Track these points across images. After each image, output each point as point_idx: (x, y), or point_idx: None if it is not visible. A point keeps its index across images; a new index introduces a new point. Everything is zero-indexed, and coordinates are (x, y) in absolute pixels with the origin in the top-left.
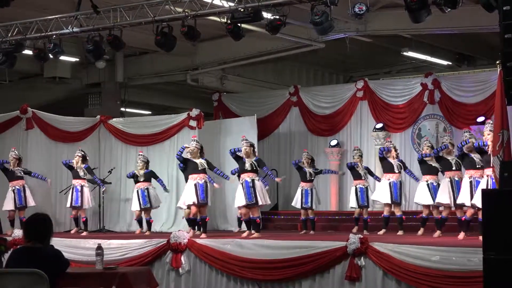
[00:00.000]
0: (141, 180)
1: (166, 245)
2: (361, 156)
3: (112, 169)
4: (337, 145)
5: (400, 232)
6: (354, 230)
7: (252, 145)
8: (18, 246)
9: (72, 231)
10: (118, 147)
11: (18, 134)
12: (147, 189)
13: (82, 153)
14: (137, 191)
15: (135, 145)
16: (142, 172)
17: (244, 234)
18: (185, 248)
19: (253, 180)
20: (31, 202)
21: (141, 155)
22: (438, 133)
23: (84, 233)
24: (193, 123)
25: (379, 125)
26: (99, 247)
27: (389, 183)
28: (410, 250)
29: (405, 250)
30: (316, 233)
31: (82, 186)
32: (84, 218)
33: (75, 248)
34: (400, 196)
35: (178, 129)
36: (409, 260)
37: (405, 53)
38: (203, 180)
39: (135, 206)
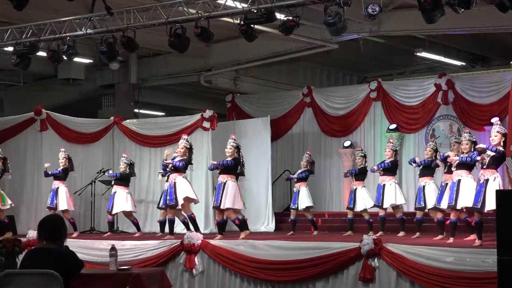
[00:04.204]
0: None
1: (180, 246)
2: (362, 156)
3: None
4: (351, 146)
5: (401, 233)
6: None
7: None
8: (32, 247)
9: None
10: (132, 149)
11: (33, 135)
12: (115, 192)
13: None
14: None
15: (149, 146)
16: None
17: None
18: (198, 249)
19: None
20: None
21: (124, 156)
22: (452, 133)
23: (74, 234)
24: (206, 124)
25: (393, 126)
26: (113, 248)
27: None
28: (424, 251)
29: (418, 251)
30: (330, 234)
31: (58, 188)
32: (72, 220)
33: (89, 249)
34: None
35: (192, 130)
36: (423, 261)
37: (418, 54)
38: (172, 181)
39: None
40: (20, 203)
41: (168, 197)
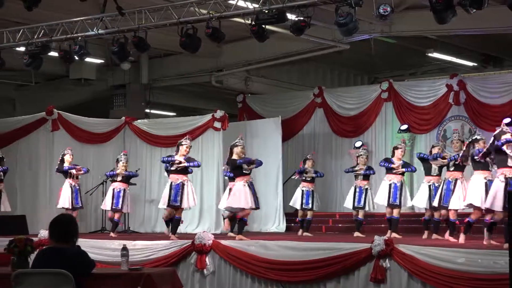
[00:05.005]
0: (118, 180)
1: (191, 246)
2: (367, 156)
3: (137, 170)
4: (362, 146)
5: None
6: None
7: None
8: (44, 247)
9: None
10: (143, 149)
11: (44, 135)
12: (124, 190)
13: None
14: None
15: (160, 146)
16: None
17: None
18: (209, 249)
19: None
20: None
21: (125, 155)
22: (464, 134)
23: None
24: (217, 124)
25: (404, 127)
26: (124, 248)
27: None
28: (435, 252)
29: (430, 252)
30: (341, 234)
31: (77, 186)
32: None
33: (100, 249)
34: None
35: (203, 131)
36: (434, 262)
37: (430, 54)
38: (179, 181)
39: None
40: (32, 203)
41: (172, 198)
